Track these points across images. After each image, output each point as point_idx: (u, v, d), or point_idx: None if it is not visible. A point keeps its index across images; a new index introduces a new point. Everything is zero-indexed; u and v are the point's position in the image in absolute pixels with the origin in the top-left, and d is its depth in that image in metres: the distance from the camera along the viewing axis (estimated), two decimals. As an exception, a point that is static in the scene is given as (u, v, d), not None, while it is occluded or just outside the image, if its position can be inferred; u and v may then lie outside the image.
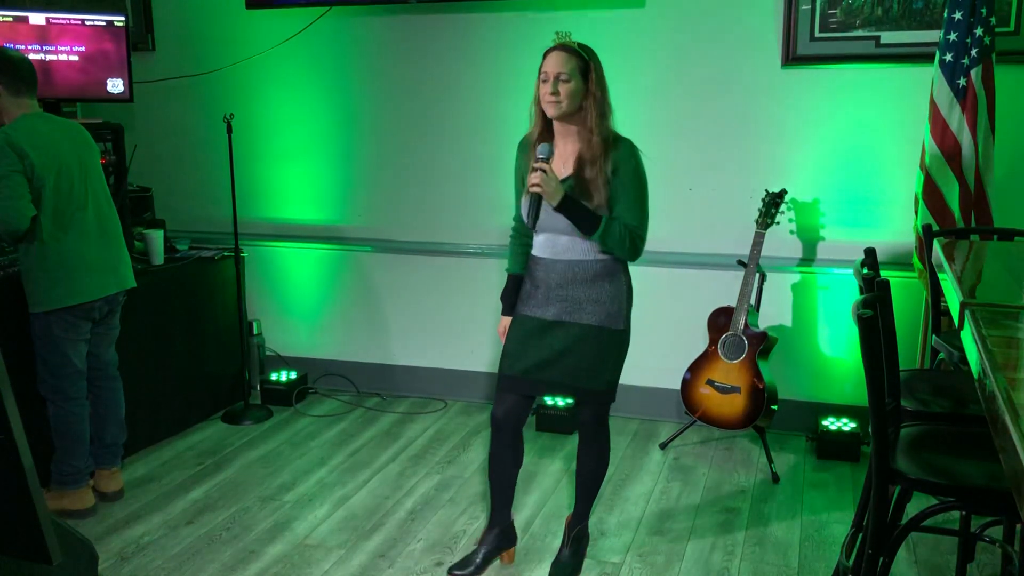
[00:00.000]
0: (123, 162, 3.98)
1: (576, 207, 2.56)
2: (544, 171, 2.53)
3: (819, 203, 3.89)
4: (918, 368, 3.41)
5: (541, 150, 2.56)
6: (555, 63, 2.55)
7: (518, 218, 2.84)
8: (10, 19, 3.73)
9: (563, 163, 2.65)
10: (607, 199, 2.60)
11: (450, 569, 2.90)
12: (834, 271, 3.91)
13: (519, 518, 3.27)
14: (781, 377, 3.94)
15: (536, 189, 2.52)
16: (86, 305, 3.19)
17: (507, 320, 2.86)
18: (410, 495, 3.51)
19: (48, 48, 3.81)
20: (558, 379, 2.73)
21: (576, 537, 2.94)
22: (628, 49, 3.99)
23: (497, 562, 2.98)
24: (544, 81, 2.57)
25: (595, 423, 2.82)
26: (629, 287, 2.77)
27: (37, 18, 3.77)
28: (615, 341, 2.73)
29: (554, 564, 2.93)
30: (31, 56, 3.71)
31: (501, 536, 2.94)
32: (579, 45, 2.60)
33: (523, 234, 2.84)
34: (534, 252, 2.76)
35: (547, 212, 2.62)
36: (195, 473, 3.71)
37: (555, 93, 2.54)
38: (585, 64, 2.58)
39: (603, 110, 2.60)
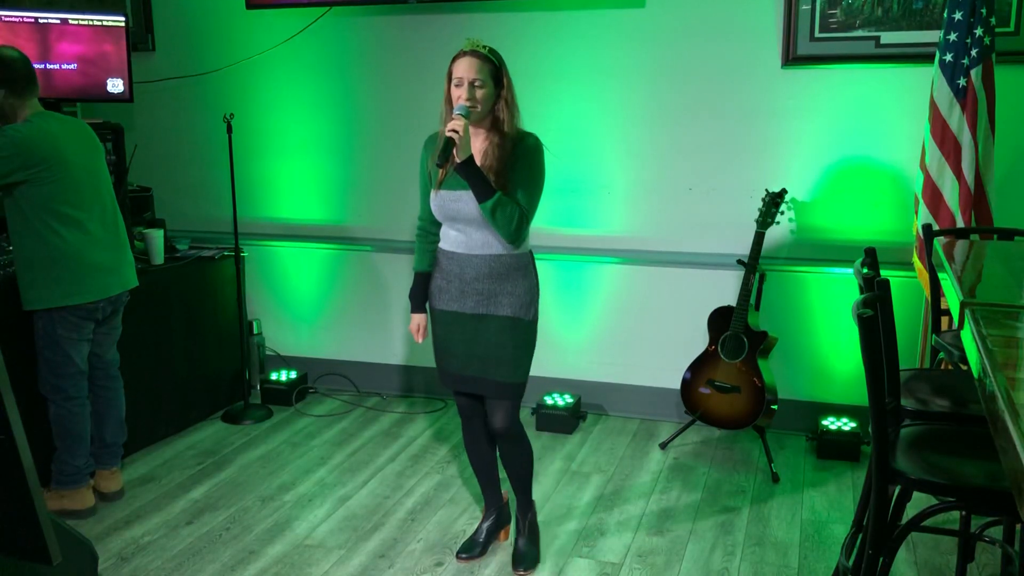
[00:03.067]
0: (123, 162, 3.99)
1: (477, 171, 2.61)
2: (464, 124, 2.58)
3: (819, 203, 3.89)
4: (918, 368, 3.41)
5: (459, 108, 2.60)
6: (469, 69, 2.61)
7: (424, 217, 2.87)
8: (11, 19, 3.73)
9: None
10: (510, 190, 2.67)
11: (457, 553, 3.05)
12: (834, 271, 3.91)
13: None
14: (781, 377, 3.94)
15: (452, 134, 2.55)
16: (89, 305, 3.19)
17: (419, 317, 2.92)
18: (410, 495, 3.51)
19: (48, 48, 3.81)
20: (482, 375, 2.79)
21: (530, 525, 3.02)
22: (628, 49, 3.99)
23: (500, 559, 2.99)
24: (457, 85, 2.63)
25: (512, 423, 2.84)
26: (537, 281, 2.84)
27: (36, 18, 3.76)
28: (528, 331, 2.81)
29: (514, 555, 2.99)
30: (32, 56, 3.71)
31: (497, 517, 3.11)
32: (490, 51, 2.66)
33: (429, 232, 2.87)
34: (446, 247, 2.81)
35: (461, 203, 2.67)
36: (195, 473, 3.71)
37: (470, 99, 2.61)
38: (497, 69, 2.65)
39: (512, 112, 2.69)
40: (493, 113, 2.68)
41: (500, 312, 2.76)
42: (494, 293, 2.75)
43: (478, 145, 2.71)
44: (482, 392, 2.85)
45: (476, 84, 2.61)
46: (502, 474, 3.06)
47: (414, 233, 2.91)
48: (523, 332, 2.79)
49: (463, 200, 2.67)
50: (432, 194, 2.76)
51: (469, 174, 2.61)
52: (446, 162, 2.61)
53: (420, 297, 2.90)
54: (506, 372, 2.78)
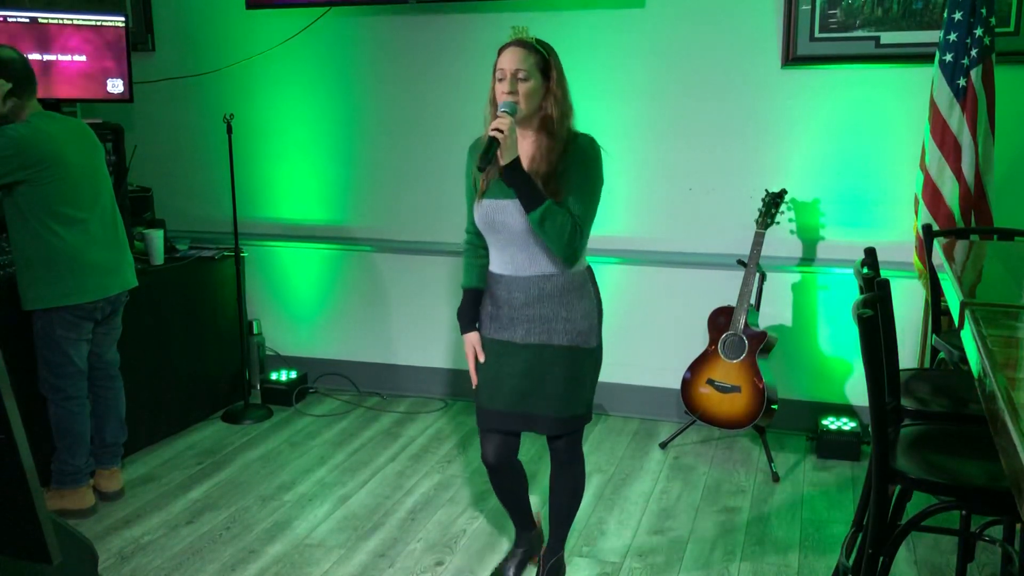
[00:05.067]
0: (123, 162, 3.98)
1: (524, 176, 2.35)
2: (510, 122, 2.33)
3: (819, 203, 3.89)
4: (918, 368, 3.41)
5: (505, 105, 2.35)
6: (512, 60, 2.36)
7: (471, 229, 2.60)
8: (11, 20, 3.73)
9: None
10: (562, 198, 2.41)
11: None
12: (834, 271, 3.91)
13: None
14: (781, 377, 3.94)
15: (496, 134, 2.28)
16: (88, 305, 3.19)
17: (472, 337, 2.62)
18: (410, 495, 3.51)
19: (48, 48, 3.81)
20: (536, 411, 2.53)
21: (551, 570, 2.80)
22: (628, 49, 3.99)
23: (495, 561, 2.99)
24: (500, 79, 2.38)
25: (569, 449, 2.63)
26: (599, 301, 2.58)
27: (35, 18, 3.77)
28: (590, 361, 2.55)
29: None
30: (31, 56, 3.72)
31: (529, 545, 2.90)
32: (537, 41, 2.42)
33: (478, 246, 2.62)
34: (493, 269, 2.55)
35: (506, 214, 2.43)
36: (195, 473, 3.71)
37: (512, 92, 2.36)
38: (545, 61, 2.40)
39: (564, 110, 2.42)
40: (542, 111, 2.40)
41: (556, 341, 2.48)
42: (547, 319, 2.47)
43: (526, 148, 2.44)
44: (535, 430, 2.57)
45: (520, 77, 2.35)
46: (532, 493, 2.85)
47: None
48: (582, 363, 2.51)
49: (508, 211, 2.41)
50: (475, 204, 2.49)
51: (515, 180, 2.34)
52: (489, 164, 2.31)
53: (468, 315, 2.60)
54: (558, 407, 2.51)
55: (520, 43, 2.40)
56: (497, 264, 2.54)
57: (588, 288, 2.54)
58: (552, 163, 2.40)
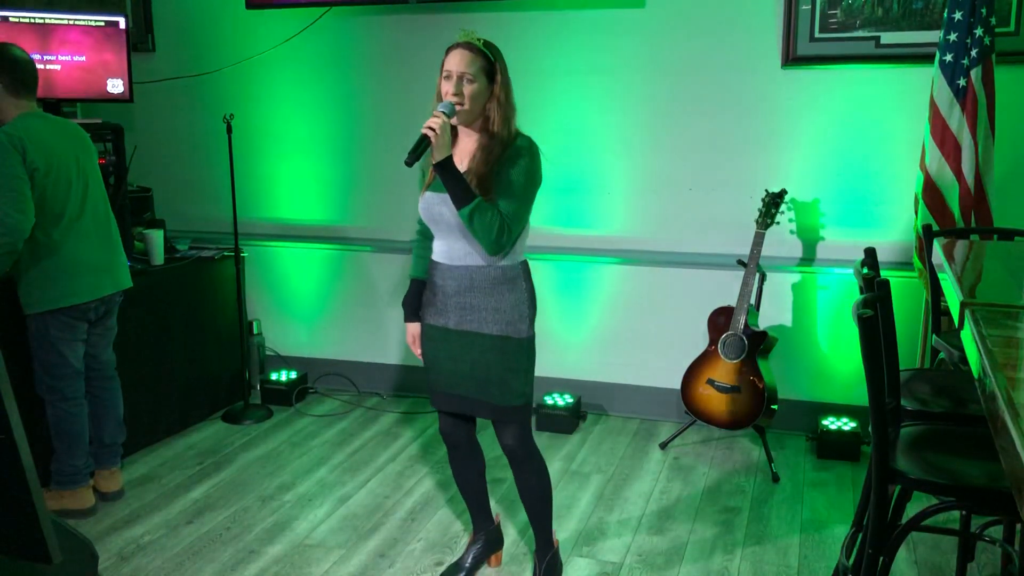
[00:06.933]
0: (123, 162, 3.98)
1: (456, 174, 2.42)
2: (443, 122, 2.40)
3: (819, 203, 3.89)
4: (918, 368, 3.41)
5: (444, 105, 2.43)
6: (459, 62, 2.44)
7: (422, 221, 2.69)
8: (10, 19, 3.73)
9: (459, 160, 2.52)
10: (493, 196, 2.48)
11: None
12: (834, 271, 3.91)
13: (518, 519, 3.27)
14: (781, 377, 3.94)
15: (429, 132, 2.36)
16: (82, 306, 3.19)
17: (413, 327, 2.74)
18: (410, 495, 3.51)
19: (48, 48, 3.81)
20: (474, 396, 2.61)
21: (548, 568, 2.81)
22: (628, 49, 3.99)
23: (495, 571, 2.99)
24: (446, 78, 2.46)
25: (519, 444, 2.66)
26: (531, 294, 2.63)
27: (36, 18, 3.77)
28: (521, 350, 2.59)
29: None
30: (32, 56, 3.71)
31: (487, 542, 2.92)
32: (485, 43, 2.49)
33: (427, 238, 2.70)
34: (433, 257, 2.64)
35: (445, 207, 2.49)
36: (195, 473, 3.71)
37: (458, 94, 2.43)
38: (491, 65, 2.47)
39: (507, 114, 2.49)
40: (485, 112, 2.48)
41: (486, 330, 2.56)
42: (477, 308, 2.55)
43: (468, 147, 2.53)
44: (476, 414, 2.66)
45: (466, 79, 2.42)
46: (495, 496, 2.91)
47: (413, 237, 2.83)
48: (514, 352, 2.57)
49: (447, 204, 2.47)
50: (420, 195, 2.59)
51: (446, 177, 2.41)
52: (416, 160, 2.38)
53: (413, 305, 2.72)
54: (498, 394, 2.58)
55: (468, 46, 2.47)
56: (436, 252, 2.63)
57: (520, 282, 2.60)
58: (490, 163, 2.47)
